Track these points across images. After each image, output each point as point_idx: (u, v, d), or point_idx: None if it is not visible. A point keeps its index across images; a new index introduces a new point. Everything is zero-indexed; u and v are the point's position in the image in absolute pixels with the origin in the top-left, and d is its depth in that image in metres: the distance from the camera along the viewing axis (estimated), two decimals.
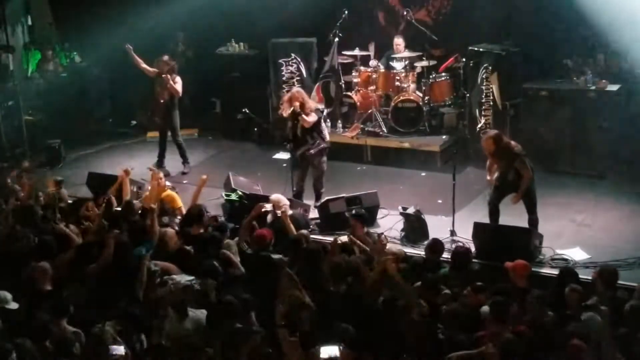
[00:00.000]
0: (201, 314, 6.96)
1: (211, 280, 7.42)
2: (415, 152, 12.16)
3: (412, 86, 12.52)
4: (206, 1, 13.40)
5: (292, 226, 8.83)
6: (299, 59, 13.14)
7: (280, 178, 11.05)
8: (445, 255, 8.47)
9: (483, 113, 11.80)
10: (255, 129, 13.43)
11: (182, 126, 12.62)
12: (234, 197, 10.11)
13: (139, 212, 9.02)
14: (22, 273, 7.61)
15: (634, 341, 6.37)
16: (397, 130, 12.43)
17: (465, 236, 9.26)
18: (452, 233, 9.43)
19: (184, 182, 11.64)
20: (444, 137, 12.33)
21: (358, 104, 12.68)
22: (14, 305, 7.20)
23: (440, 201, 10.51)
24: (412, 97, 12.37)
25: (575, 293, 6.98)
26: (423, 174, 11.85)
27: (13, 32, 14.23)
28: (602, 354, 6.34)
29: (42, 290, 7.37)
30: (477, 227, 9.15)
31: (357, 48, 12.69)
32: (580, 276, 7.68)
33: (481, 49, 11.84)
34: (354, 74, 12.83)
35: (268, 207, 8.99)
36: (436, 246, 8.32)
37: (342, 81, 12.88)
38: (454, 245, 9.04)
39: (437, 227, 9.59)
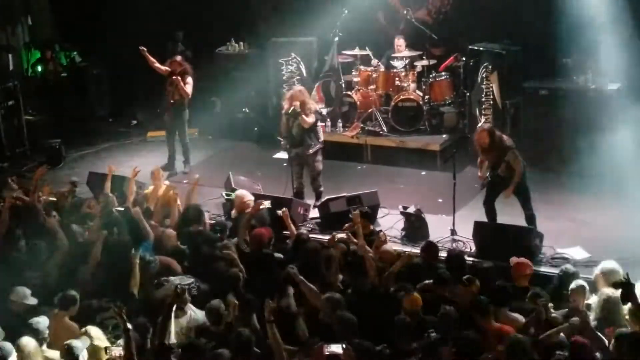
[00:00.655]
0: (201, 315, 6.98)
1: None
2: (415, 151, 12.15)
3: (412, 85, 12.52)
4: (206, 1, 13.42)
5: (292, 225, 8.85)
6: (299, 59, 13.14)
7: (280, 177, 11.05)
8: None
9: (483, 112, 11.80)
10: (256, 129, 13.43)
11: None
12: (234, 196, 10.12)
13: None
14: None
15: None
16: (397, 130, 12.43)
17: (466, 235, 9.26)
18: (453, 232, 9.44)
19: (184, 182, 11.64)
20: (444, 136, 12.34)
21: (358, 103, 12.68)
22: (33, 301, 7.24)
23: (440, 200, 10.52)
24: (412, 97, 12.37)
25: (581, 289, 6.97)
26: (423, 173, 11.85)
27: (13, 32, 14.23)
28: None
29: None
30: (478, 225, 9.16)
31: (357, 47, 12.69)
32: (581, 275, 7.67)
33: (481, 48, 11.85)
34: (354, 73, 12.83)
35: (266, 204, 9.01)
36: (429, 249, 8.26)
37: (342, 80, 12.89)
38: (454, 245, 9.06)
39: (438, 226, 9.59)
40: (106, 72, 15.15)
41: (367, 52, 12.80)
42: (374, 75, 12.59)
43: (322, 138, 10.59)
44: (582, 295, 6.93)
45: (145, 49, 11.84)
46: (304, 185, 10.67)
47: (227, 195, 10.31)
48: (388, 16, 13.47)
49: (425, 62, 12.61)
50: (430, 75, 12.49)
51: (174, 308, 6.61)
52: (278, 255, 8.19)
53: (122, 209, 9.18)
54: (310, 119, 10.22)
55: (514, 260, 7.79)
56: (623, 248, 8.99)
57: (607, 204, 10.34)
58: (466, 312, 6.84)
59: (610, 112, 11.06)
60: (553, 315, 6.62)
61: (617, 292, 6.43)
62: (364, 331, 6.56)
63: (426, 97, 12.44)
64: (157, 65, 12.02)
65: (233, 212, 9.48)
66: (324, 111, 12.46)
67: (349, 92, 12.86)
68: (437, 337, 6.33)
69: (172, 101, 11.92)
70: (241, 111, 12.80)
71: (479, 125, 11.71)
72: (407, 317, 6.73)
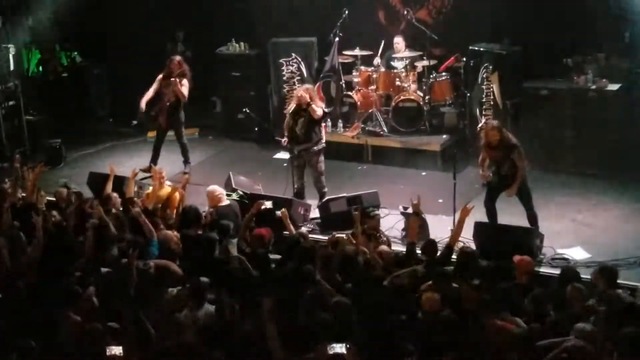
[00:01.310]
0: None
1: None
2: (415, 151, 12.16)
3: (413, 86, 12.51)
4: (207, 1, 13.41)
5: (291, 225, 8.86)
6: (300, 59, 13.13)
7: (280, 177, 11.05)
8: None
9: (484, 112, 11.80)
10: (256, 129, 13.44)
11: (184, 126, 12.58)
12: (234, 196, 10.14)
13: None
14: None
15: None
16: (397, 130, 12.44)
17: (466, 235, 9.25)
18: None
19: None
20: (444, 136, 12.34)
21: (358, 103, 12.68)
22: None
23: (440, 201, 10.51)
24: (412, 97, 12.37)
25: (577, 292, 6.98)
26: (424, 173, 11.85)
27: (13, 32, 14.22)
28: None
29: None
30: (478, 226, 9.16)
31: (357, 48, 12.69)
32: (581, 276, 7.67)
33: (482, 49, 11.85)
34: (354, 73, 12.82)
35: (267, 204, 9.02)
36: (427, 247, 8.24)
37: (343, 81, 12.88)
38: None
39: (438, 226, 9.58)
40: (107, 72, 15.14)
41: (369, 52, 12.78)
42: (375, 76, 12.59)
43: (324, 139, 10.63)
44: (579, 299, 6.93)
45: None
46: (305, 186, 10.68)
47: (227, 195, 10.31)
48: (388, 16, 13.47)
49: (425, 63, 12.60)
50: (431, 76, 12.49)
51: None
52: (275, 256, 8.20)
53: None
54: (320, 111, 10.31)
55: (517, 258, 7.79)
56: (623, 249, 9.01)
57: (608, 204, 10.34)
58: (468, 311, 6.84)
59: (611, 112, 11.08)
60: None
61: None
62: (364, 331, 6.56)
63: (427, 97, 12.44)
64: (153, 89, 11.93)
65: (207, 208, 9.50)
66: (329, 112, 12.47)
67: (349, 93, 12.85)
68: None
69: (167, 103, 11.90)
70: (241, 111, 12.78)
71: (481, 124, 11.76)
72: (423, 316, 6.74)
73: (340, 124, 12.70)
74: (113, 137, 14.18)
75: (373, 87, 12.57)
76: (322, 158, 10.54)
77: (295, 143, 10.46)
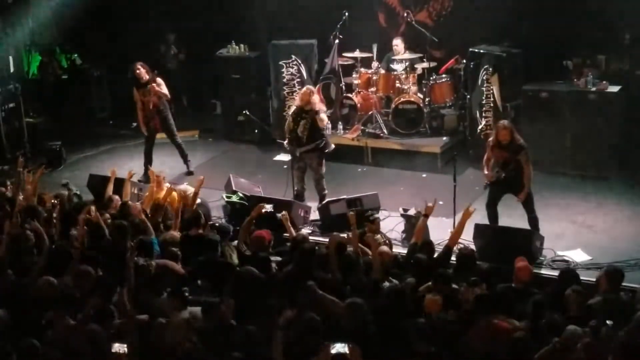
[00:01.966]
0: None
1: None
2: (415, 153, 12.16)
3: (413, 88, 12.50)
4: (206, 2, 13.41)
5: (292, 228, 8.85)
6: (300, 61, 13.13)
7: (280, 180, 11.05)
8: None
9: (484, 114, 11.80)
10: (256, 131, 13.44)
11: (183, 128, 12.58)
12: (234, 198, 10.14)
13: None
14: None
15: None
16: (397, 132, 12.43)
17: (466, 237, 9.24)
18: None
19: (185, 183, 11.62)
20: (444, 138, 12.33)
21: (358, 105, 12.68)
22: None
23: (441, 203, 10.47)
24: (412, 99, 12.37)
25: (576, 294, 6.97)
26: (424, 175, 11.84)
27: (14, 34, 14.24)
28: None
29: None
30: (478, 228, 9.15)
31: (357, 50, 12.69)
32: (581, 278, 7.67)
33: (482, 51, 11.84)
34: (354, 75, 12.82)
35: (268, 207, 9.01)
36: (424, 248, 8.21)
37: (343, 83, 12.89)
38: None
39: (438, 228, 9.56)
40: (107, 74, 15.14)
41: (370, 54, 12.79)
42: (375, 78, 12.59)
43: (332, 145, 10.73)
44: (577, 302, 6.92)
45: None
46: (305, 188, 10.68)
47: (227, 197, 10.32)
48: (388, 18, 13.47)
49: (425, 65, 12.60)
50: (431, 78, 12.49)
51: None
52: (276, 258, 8.18)
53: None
54: (326, 121, 10.52)
55: (519, 263, 7.74)
56: (624, 251, 9.00)
57: (608, 207, 10.34)
58: (468, 312, 6.83)
59: (611, 114, 11.08)
60: None
61: None
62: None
63: (427, 99, 12.44)
64: (139, 110, 11.90)
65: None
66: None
67: (349, 95, 12.85)
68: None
69: (151, 108, 11.85)
70: (241, 113, 12.79)
71: (479, 127, 11.76)
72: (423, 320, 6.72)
73: (340, 126, 12.70)
74: (113, 140, 14.17)
75: (373, 89, 12.57)
76: (323, 161, 10.55)
77: (297, 145, 10.46)
